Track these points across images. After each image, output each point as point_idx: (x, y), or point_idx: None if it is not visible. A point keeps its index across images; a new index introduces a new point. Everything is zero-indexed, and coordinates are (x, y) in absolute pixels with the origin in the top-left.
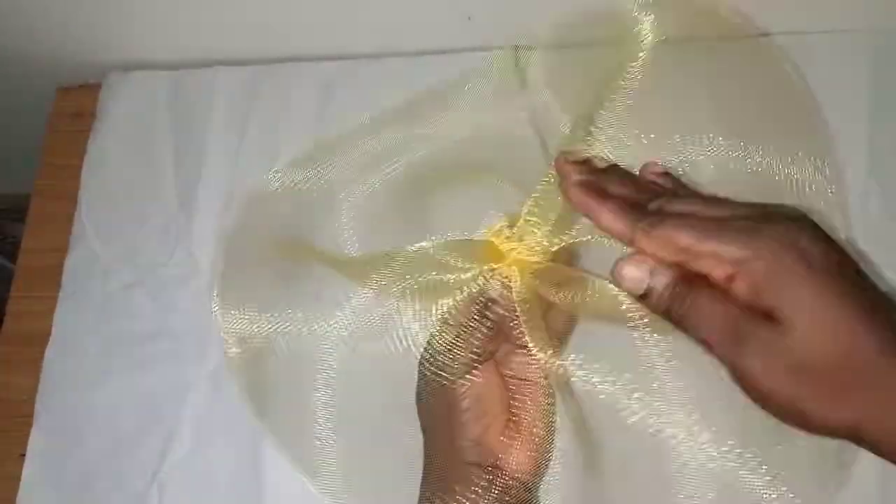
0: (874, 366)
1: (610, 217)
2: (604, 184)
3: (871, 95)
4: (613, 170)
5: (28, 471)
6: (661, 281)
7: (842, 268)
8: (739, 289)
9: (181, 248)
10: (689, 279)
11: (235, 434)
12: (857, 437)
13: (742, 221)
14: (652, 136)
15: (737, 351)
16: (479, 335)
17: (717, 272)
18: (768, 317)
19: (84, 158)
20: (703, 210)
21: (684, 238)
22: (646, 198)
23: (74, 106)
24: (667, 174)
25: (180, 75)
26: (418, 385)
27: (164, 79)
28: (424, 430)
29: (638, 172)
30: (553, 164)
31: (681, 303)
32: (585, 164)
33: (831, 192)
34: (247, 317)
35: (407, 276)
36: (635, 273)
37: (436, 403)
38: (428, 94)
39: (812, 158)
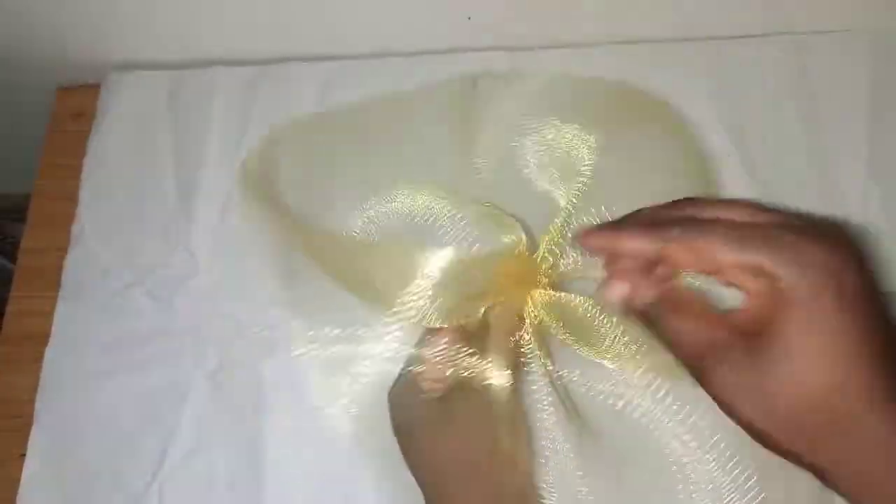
0: (857, 419)
1: (632, 240)
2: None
3: (871, 95)
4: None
5: (28, 471)
6: (646, 297)
7: (867, 307)
8: (753, 305)
9: (181, 248)
10: (672, 296)
11: (236, 434)
12: (816, 471)
13: (786, 234)
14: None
15: (710, 368)
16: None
17: (744, 284)
18: (759, 338)
19: (84, 158)
20: (739, 216)
21: (720, 249)
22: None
23: (75, 106)
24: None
25: (180, 75)
26: (412, 434)
27: (164, 78)
28: (432, 485)
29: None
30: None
31: (663, 321)
32: None
33: None
34: None
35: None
36: (620, 291)
37: (459, 450)
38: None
39: None
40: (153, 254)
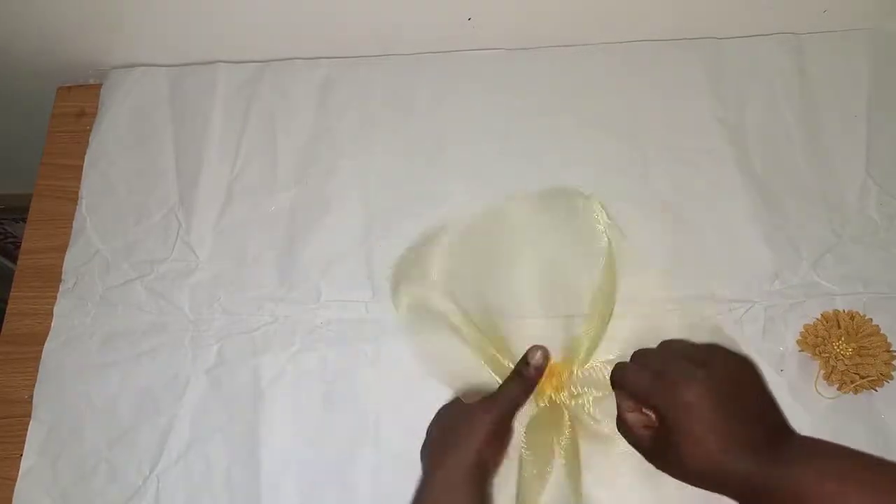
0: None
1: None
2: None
3: (870, 95)
4: None
5: (26, 463)
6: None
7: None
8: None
9: (181, 243)
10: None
11: (233, 428)
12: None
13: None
14: None
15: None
16: None
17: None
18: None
19: (85, 155)
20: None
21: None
22: None
23: (75, 106)
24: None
25: (181, 72)
26: None
27: (164, 75)
28: None
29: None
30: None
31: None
32: None
33: None
34: None
35: None
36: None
37: None
38: None
39: None
40: (153, 249)
